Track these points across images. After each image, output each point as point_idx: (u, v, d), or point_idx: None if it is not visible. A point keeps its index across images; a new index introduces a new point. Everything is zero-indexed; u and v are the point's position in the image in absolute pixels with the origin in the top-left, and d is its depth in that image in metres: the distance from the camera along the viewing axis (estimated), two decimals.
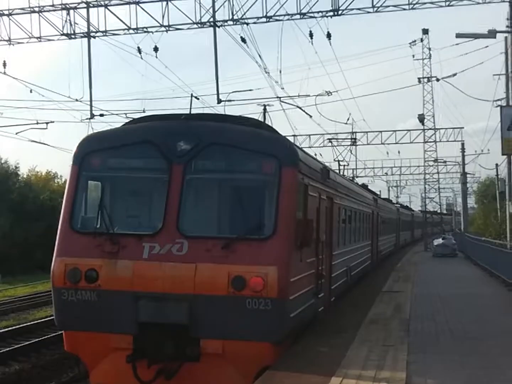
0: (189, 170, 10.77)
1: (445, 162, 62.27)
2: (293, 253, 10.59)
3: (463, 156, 52.72)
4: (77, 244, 10.74)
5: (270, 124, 22.27)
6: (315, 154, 42.13)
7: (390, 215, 41.87)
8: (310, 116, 35.86)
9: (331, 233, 15.16)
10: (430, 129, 53.63)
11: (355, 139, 47.19)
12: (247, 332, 10.06)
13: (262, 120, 32.54)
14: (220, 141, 10.85)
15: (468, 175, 57.66)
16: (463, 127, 53.74)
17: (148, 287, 10.24)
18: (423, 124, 53.03)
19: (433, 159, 56.21)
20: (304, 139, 50.91)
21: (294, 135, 46.32)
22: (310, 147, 49.54)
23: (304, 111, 33.34)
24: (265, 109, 35.30)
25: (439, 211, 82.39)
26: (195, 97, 25.59)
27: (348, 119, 45.90)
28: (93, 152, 11.26)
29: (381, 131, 52.08)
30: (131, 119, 14.61)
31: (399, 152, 67.97)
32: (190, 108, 13.08)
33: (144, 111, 31.21)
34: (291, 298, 10.52)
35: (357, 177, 59.90)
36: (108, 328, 10.47)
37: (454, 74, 38.96)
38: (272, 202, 10.50)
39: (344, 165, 37.52)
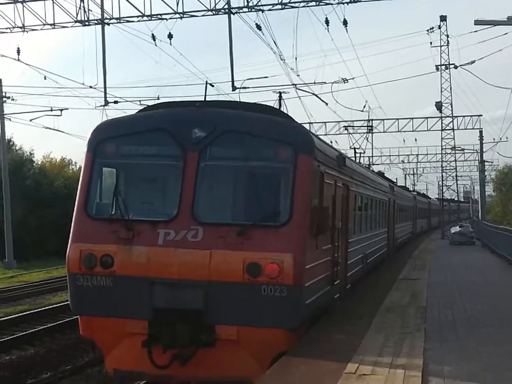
0: (203, 158, 10.78)
1: (463, 150, 61.96)
2: (308, 240, 10.62)
3: (481, 144, 52.31)
4: (92, 230, 10.79)
5: (285, 111, 22.23)
6: (331, 142, 42.14)
7: (407, 203, 41.76)
8: (326, 104, 35.77)
9: (347, 221, 15.15)
10: (448, 116, 53.37)
11: (371, 126, 46.95)
12: (262, 318, 10.11)
13: (278, 107, 32.49)
14: (235, 129, 10.86)
15: (486, 163, 57.25)
16: (481, 115, 53.43)
17: (163, 273, 10.29)
18: (440, 111, 52.80)
19: (450, 146, 55.91)
20: (319, 127, 50.88)
21: (309, 123, 46.32)
22: (325, 134, 49.56)
23: (320, 98, 33.26)
24: (280, 96, 35.22)
25: (456, 199, 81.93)
26: (210, 84, 25.54)
27: (364, 107, 45.41)
28: (107, 139, 11.29)
29: (397, 119, 51.92)
30: (145, 106, 14.58)
31: (416, 139, 67.44)
32: (205, 95, 12.98)
33: (158, 98, 31.46)
34: (306, 285, 10.55)
35: (373, 164, 59.76)
36: (123, 314, 10.53)
37: (473, 62, 38.69)
38: (288, 189, 10.52)
39: (360, 153, 37.49)
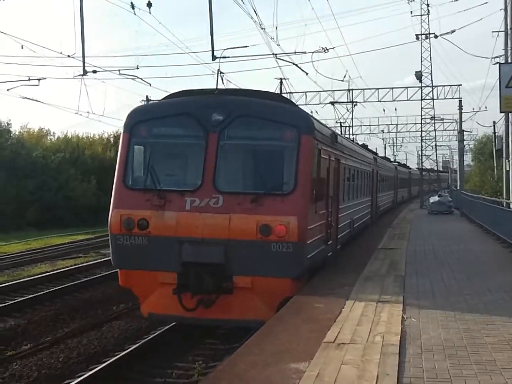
0: (222, 137, 13.25)
1: (442, 119, 62.28)
2: (309, 206, 13.18)
3: (461, 113, 52.64)
4: (130, 199, 13.28)
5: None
6: (311, 112, 42.01)
7: (388, 173, 42.68)
8: (306, 73, 35.61)
9: (338, 190, 17.69)
10: (428, 86, 53.63)
11: (356, 102, 47.23)
12: (272, 269, 12.57)
13: (279, 91, 33.49)
14: (248, 113, 13.36)
15: (465, 133, 57.61)
16: (460, 84, 53.72)
17: (190, 233, 12.75)
18: (420, 81, 52.98)
19: (430, 116, 56.18)
20: (300, 96, 50.62)
21: (289, 92, 46.00)
22: (306, 104, 49.31)
23: (300, 68, 33.13)
24: (281, 83, 35.67)
25: (435, 168, 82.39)
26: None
27: (344, 76, 45.50)
28: (140, 122, 13.77)
29: (378, 89, 51.67)
30: (124, 75, 14.87)
31: (396, 109, 67.86)
32: (217, 84, 16.24)
33: (137, 68, 31.22)
34: (308, 242, 13.08)
35: (353, 134, 59.77)
36: (157, 267, 13.02)
37: (453, 31, 38.90)
38: (293, 164, 13.02)
39: (346, 127, 38.11)
